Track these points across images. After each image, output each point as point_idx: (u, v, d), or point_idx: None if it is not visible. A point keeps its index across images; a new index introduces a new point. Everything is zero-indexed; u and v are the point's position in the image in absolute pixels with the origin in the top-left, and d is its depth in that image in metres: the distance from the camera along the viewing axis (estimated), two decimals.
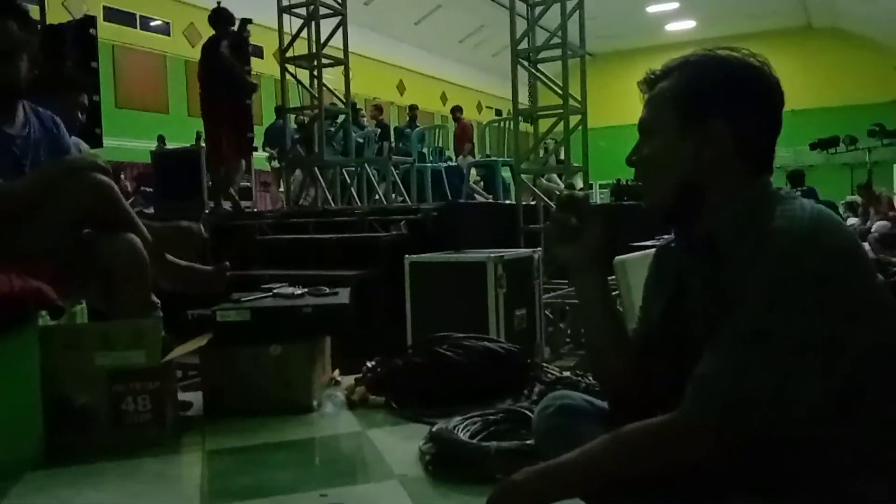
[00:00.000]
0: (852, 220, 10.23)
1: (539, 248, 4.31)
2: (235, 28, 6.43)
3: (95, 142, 5.20)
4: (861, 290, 0.98)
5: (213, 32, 6.30)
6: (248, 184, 6.49)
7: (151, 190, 8.40)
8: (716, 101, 1.06)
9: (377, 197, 7.08)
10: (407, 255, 3.81)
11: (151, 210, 6.87)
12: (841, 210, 10.93)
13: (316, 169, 6.47)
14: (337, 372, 2.84)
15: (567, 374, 2.64)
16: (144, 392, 2.14)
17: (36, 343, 2.05)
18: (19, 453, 1.98)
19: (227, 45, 6.14)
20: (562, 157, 6.09)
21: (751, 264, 0.97)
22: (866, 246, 7.93)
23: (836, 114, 18.33)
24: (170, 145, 10.06)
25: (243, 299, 2.57)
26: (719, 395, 0.97)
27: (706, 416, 0.98)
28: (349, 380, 2.72)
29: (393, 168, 7.55)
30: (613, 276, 2.57)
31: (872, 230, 8.37)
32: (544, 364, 2.90)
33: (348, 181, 6.87)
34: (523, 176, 5.61)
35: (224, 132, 6.14)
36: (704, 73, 1.08)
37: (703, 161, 1.06)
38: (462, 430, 1.96)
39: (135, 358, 2.14)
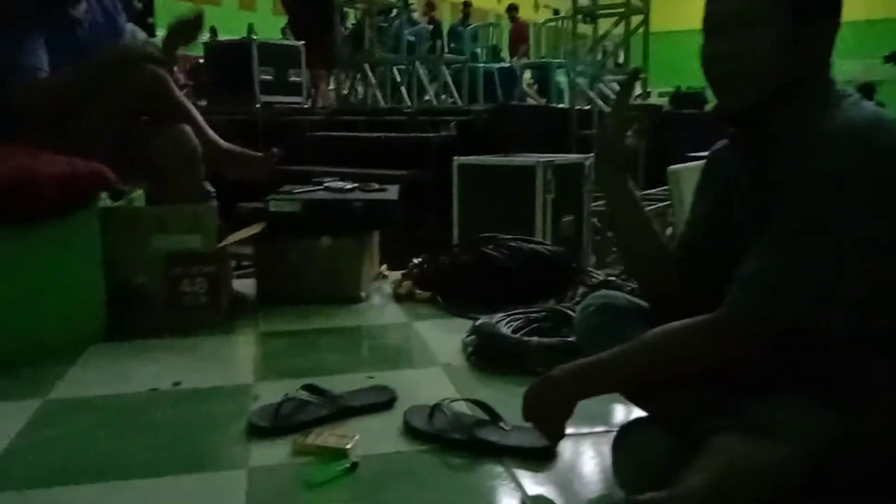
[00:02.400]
0: None
1: (591, 155, 4.24)
2: None
3: (148, 32, 5.20)
4: None
5: None
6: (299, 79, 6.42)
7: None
8: (826, 1, 1.02)
9: (427, 97, 6.96)
10: (455, 157, 3.79)
11: (204, 103, 6.91)
12: None
13: (366, 66, 6.37)
14: (384, 267, 2.90)
15: (612, 277, 2.64)
16: (201, 275, 2.22)
17: (97, 224, 2.12)
18: (84, 328, 2.09)
19: None
20: (620, 60, 5.89)
21: (807, 159, 0.95)
22: None
23: None
24: (222, 38, 9.97)
25: (296, 191, 2.61)
26: (761, 291, 0.97)
27: (747, 312, 0.98)
28: (396, 275, 2.78)
29: (444, 67, 7.40)
30: (667, 186, 2.52)
31: None
32: (589, 269, 2.90)
33: (398, 80, 6.76)
34: (579, 79, 5.45)
35: (314, 49, 6.33)
36: None
37: (805, 62, 1.02)
38: (505, 325, 2.00)
39: (191, 242, 2.21)
